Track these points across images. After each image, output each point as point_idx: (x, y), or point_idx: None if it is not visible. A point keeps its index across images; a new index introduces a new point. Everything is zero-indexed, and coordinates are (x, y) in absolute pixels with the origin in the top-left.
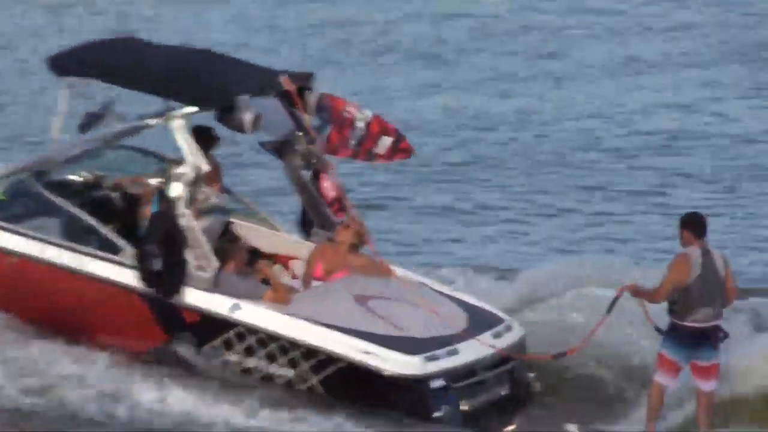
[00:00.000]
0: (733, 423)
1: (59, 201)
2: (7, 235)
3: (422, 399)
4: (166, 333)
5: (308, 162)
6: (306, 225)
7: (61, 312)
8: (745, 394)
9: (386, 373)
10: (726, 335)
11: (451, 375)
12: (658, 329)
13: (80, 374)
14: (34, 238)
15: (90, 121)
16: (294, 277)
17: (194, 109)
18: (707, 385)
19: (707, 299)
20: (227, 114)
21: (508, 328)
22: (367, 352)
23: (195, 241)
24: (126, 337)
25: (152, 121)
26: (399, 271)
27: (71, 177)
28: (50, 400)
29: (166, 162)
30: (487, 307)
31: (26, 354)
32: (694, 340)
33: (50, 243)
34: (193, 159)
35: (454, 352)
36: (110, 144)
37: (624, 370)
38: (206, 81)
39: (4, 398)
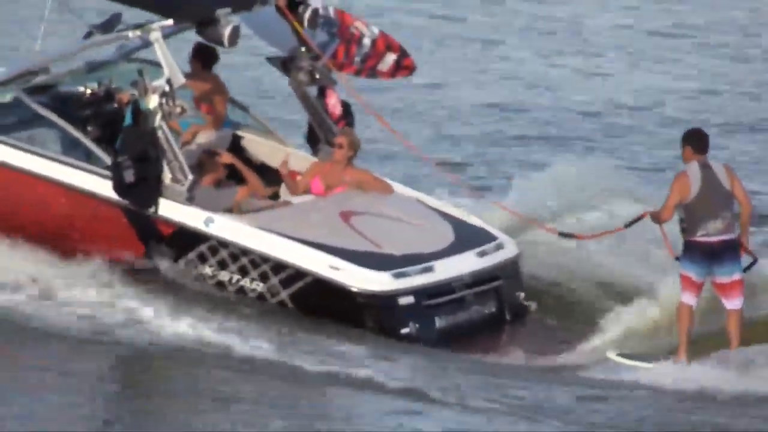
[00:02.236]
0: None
1: (45, 112)
2: None
3: (390, 316)
4: (143, 244)
5: (313, 78)
6: (313, 140)
7: (43, 222)
8: None
9: (353, 288)
10: (755, 260)
11: (422, 292)
12: (677, 258)
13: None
14: (17, 147)
15: (96, 32)
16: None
17: (170, 21)
18: (730, 303)
19: (713, 212)
20: (206, 27)
21: (499, 247)
22: (335, 268)
23: (170, 154)
24: (106, 248)
25: (130, 33)
26: (396, 186)
27: (80, 89)
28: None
29: (139, 74)
30: (481, 224)
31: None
32: (708, 256)
33: (34, 153)
34: (168, 71)
35: (429, 269)
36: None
37: (621, 294)
38: None
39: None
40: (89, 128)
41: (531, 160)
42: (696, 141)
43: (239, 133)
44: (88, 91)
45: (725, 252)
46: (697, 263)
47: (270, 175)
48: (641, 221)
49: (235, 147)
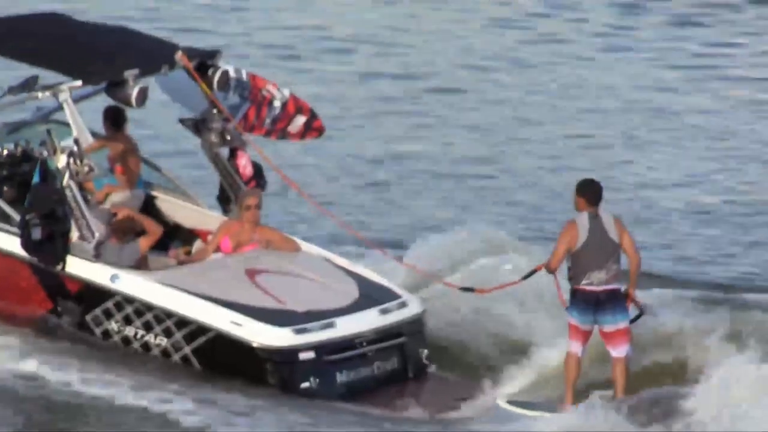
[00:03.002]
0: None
1: None
2: None
3: (290, 371)
4: (51, 301)
5: (224, 139)
6: (224, 200)
7: None
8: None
9: (253, 343)
10: (641, 312)
11: (323, 348)
12: (567, 308)
13: None
14: None
15: (16, 91)
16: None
17: (79, 82)
18: (616, 351)
19: (598, 263)
20: (115, 88)
21: (402, 305)
22: (237, 323)
23: (78, 212)
24: (15, 304)
25: (40, 94)
26: (304, 245)
27: None
28: None
29: (48, 134)
30: (385, 283)
31: None
32: (594, 305)
33: None
34: (77, 131)
35: (330, 326)
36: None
37: (519, 345)
38: (94, 56)
39: None
40: (5, 188)
41: (431, 221)
42: (589, 192)
43: (153, 192)
44: (5, 152)
45: (609, 301)
46: (581, 311)
47: (183, 235)
48: (536, 273)
49: (149, 206)
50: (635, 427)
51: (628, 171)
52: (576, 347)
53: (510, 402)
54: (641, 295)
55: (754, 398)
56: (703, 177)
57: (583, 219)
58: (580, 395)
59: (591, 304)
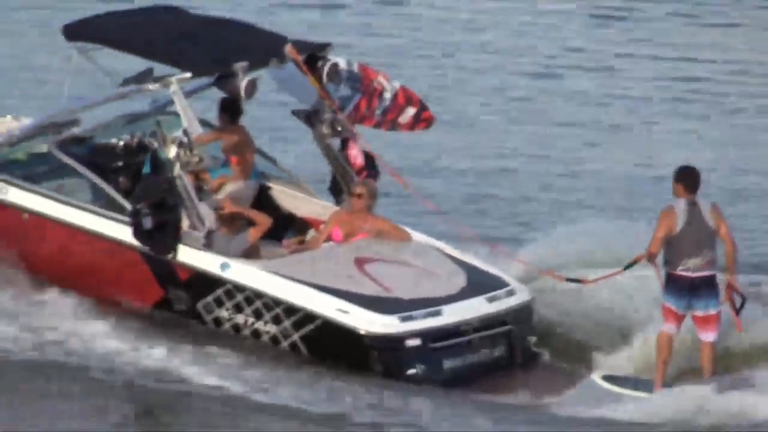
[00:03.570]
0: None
1: (71, 162)
2: (22, 192)
3: (396, 358)
4: (163, 289)
5: (335, 130)
6: (335, 190)
7: (68, 267)
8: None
9: (360, 331)
10: (743, 300)
11: (429, 335)
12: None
13: (83, 330)
14: (46, 196)
15: (131, 83)
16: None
17: (188, 74)
18: (706, 336)
19: (695, 248)
20: (224, 80)
21: (510, 293)
22: (343, 311)
23: (188, 202)
24: (128, 293)
25: (151, 86)
26: (415, 234)
27: (113, 141)
28: (53, 354)
29: (157, 125)
30: (494, 271)
31: (36, 309)
32: (688, 290)
33: (60, 201)
34: (186, 122)
35: (437, 313)
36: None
37: (622, 334)
38: (204, 48)
39: (13, 351)
40: (120, 178)
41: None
42: (688, 179)
43: (267, 183)
44: (121, 143)
45: (703, 287)
46: (676, 296)
47: (297, 225)
48: (638, 263)
49: (263, 197)
50: (721, 410)
51: None
52: (669, 328)
53: (604, 377)
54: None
55: None
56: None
57: (682, 205)
58: (670, 378)
59: (686, 289)
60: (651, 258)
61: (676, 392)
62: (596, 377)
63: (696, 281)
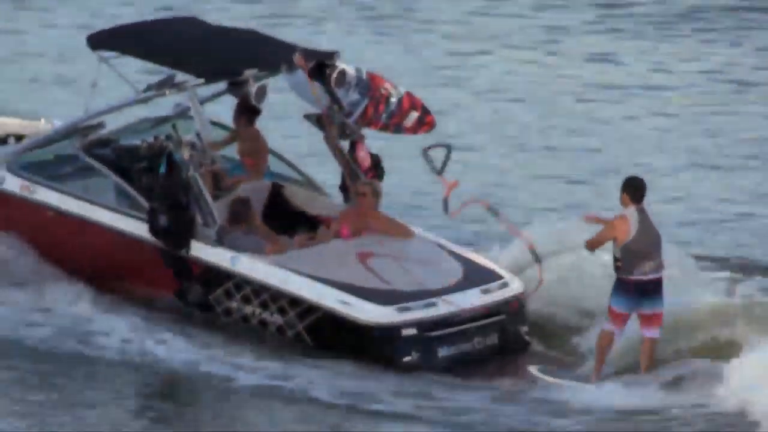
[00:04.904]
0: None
1: (95, 163)
2: (48, 191)
3: (393, 346)
4: (177, 282)
5: (344, 133)
6: (345, 190)
7: (90, 261)
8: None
9: (359, 321)
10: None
11: (424, 325)
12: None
13: (101, 320)
14: (70, 194)
15: (153, 89)
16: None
17: (201, 80)
18: (650, 332)
19: (647, 254)
20: (235, 86)
21: (504, 285)
22: (345, 302)
23: (201, 200)
24: (146, 286)
25: (168, 91)
26: (417, 231)
27: (137, 143)
28: (69, 344)
29: (173, 128)
30: (490, 265)
31: (54, 297)
32: (639, 293)
33: (84, 199)
34: (199, 125)
35: (432, 305)
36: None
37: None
38: (217, 57)
39: (28, 338)
40: (144, 179)
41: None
42: (634, 189)
43: (280, 182)
44: (145, 145)
45: (653, 289)
46: (626, 298)
47: (308, 222)
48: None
49: (276, 196)
50: (656, 401)
51: None
52: (613, 328)
53: (541, 371)
54: None
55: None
56: None
57: (633, 213)
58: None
59: (638, 292)
60: (590, 247)
61: (617, 383)
62: (535, 369)
63: (648, 284)
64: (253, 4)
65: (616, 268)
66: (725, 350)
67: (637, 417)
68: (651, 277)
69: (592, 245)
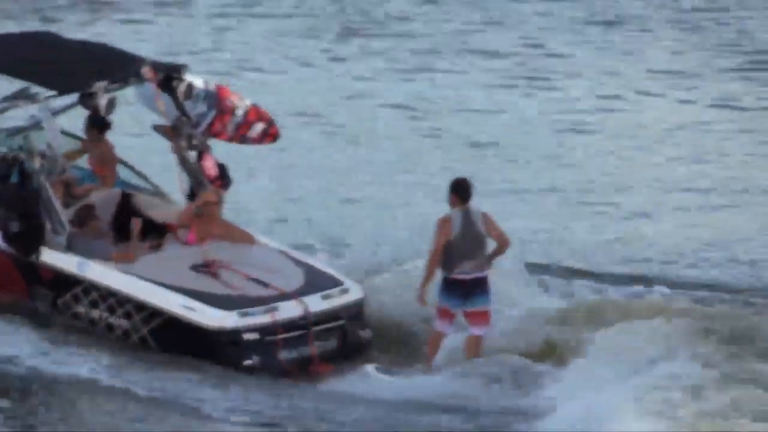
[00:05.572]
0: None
1: None
2: None
3: (234, 350)
4: (28, 287)
5: (191, 143)
6: (192, 198)
7: None
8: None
9: (202, 325)
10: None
11: (265, 330)
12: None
13: None
14: None
15: (8, 100)
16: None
17: (54, 92)
18: (475, 330)
19: (469, 253)
20: (86, 98)
21: (344, 291)
22: (188, 307)
23: (51, 208)
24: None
25: (21, 103)
26: (261, 238)
27: None
28: None
29: (24, 138)
30: (330, 271)
31: None
32: (463, 291)
33: None
34: (50, 136)
35: (274, 309)
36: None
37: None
38: (69, 69)
39: None
40: None
41: None
42: (461, 190)
43: (129, 191)
44: None
45: (477, 288)
46: (452, 297)
47: (156, 228)
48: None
49: (125, 204)
50: (478, 392)
51: None
52: (443, 327)
53: (377, 368)
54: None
55: None
56: None
57: (456, 213)
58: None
59: (461, 291)
60: (431, 263)
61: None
62: (371, 368)
63: (470, 283)
64: None
65: (442, 267)
66: (555, 353)
67: (433, 409)
68: (473, 275)
69: (433, 258)
